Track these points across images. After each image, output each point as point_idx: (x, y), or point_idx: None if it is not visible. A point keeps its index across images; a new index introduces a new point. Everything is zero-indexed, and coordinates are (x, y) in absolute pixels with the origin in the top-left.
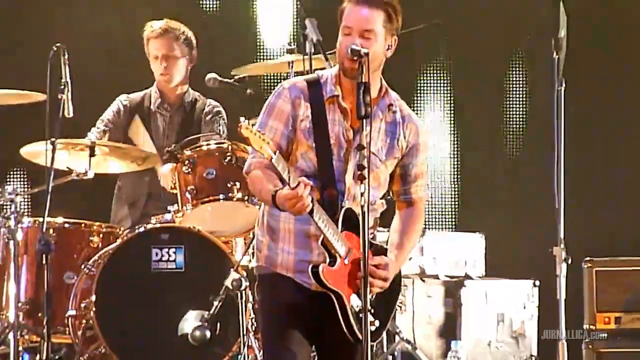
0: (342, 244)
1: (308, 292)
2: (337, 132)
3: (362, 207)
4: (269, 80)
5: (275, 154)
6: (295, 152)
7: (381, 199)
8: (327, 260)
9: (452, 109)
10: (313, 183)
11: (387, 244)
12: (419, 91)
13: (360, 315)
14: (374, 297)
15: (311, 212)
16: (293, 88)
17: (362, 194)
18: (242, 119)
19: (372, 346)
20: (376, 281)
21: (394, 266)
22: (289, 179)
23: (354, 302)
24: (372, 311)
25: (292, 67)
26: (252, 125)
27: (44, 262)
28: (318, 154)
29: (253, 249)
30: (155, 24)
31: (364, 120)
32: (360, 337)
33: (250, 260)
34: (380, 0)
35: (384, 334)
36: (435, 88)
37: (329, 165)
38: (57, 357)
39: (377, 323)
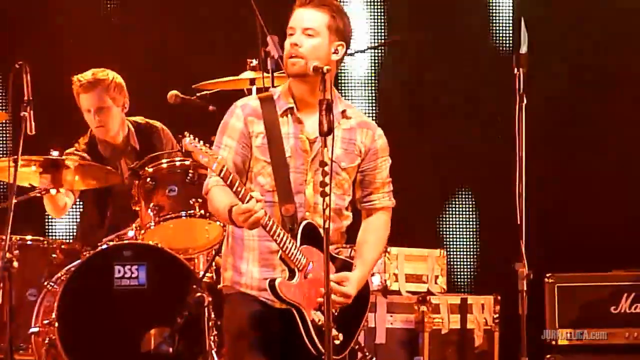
0: (301, 258)
1: (272, 309)
2: (292, 144)
3: (323, 220)
4: (231, 97)
5: (223, 167)
6: (252, 170)
7: (346, 209)
8: (287, 275)
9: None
10: (271, 198)
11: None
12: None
13: (323, 329)
14: (337, 311)
15: (266, 227)
16: (245, 106)
17: (324, 209)
18: (186, 133)
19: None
20: (337, 298)
21: (356, 281)
22: (239, 194)
23: (315, 316)
24: (334, 325)
25: (254, 84)
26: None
27: (6, 278)
28: (274, 169)
29: (215, 265)
30: (82, 77)
31: (325, 138)
32: (323, 351)
33: (212, 277)
34: (325, 3)
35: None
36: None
37: (285, 179)
38: None
39: (340, 337)
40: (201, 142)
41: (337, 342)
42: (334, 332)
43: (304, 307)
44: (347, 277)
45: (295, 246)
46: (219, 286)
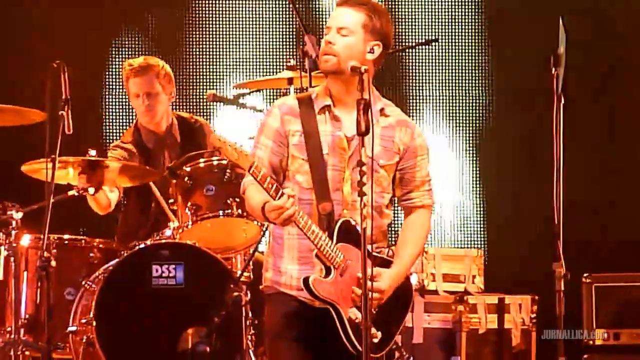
0: (337, 255)
1: (310, 309)
2: (330, 142)
3: (361, 219)
4: (269, 97)
5: (252, 164)
6: (290, 168)
7: (387, 208)
8: (324, 272)
9: (452, 123)
10: (309, 196)
11: None
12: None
13: (360, 327)
14: (375, 309)
15: (299, 224)
16: (282, 106)
17: (362, 208)
18: (214, 130)
19: (375, 358)
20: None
21: (390, 277)
22: (271, 190)
23: (352, 314)
24: (372, 324)
25: (292, 83)
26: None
27: (44, 278)
28: (311, 167)
29: (252, 265)
30: (134, 62)
31: (363, 137)
32: (361, 350)
33: (249, 277)
34: (363, 2)
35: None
36: (432, 102)
37: (323, 177)
38: None
39: (379, 335)
40: (231, 139)
41: (375, 340)
42: (372, 330)
43: (340, 304)
44: (379, 273)
45: (331, 244)
46: (260, 287)
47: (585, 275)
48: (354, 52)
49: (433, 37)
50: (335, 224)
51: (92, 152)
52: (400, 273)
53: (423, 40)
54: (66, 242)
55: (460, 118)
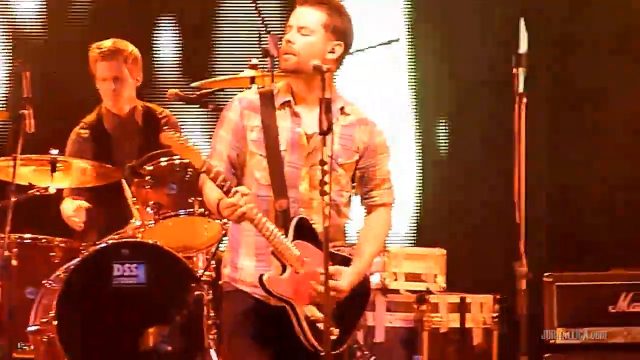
0: (293, 253)
1: (267, 306)
2: (288, 138)
3: (323, 219)
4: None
5: (204, 163)
6: (248, 164)
7: (345, 207)
8: (280, 270)
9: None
10: (267, 193)
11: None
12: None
13: (317, 324)
14: (335, 305)
15: (253, 221)
16: (243, 100)
17: (323, 207)
18: (165, 127)
19: (334, 355)
20: (320, 289)
21: (350, 275)
22: (224, 187)
23: (308, 311)
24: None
25: (254, 82)
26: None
27: (5, 277)
28: (269, 163)
29: (214, 263)
30: (103, 44)
31: (325, 136)
32: (318, 347)
33: (211, 275)
34: (322, 0)
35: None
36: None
37: (280, 174)
38: None
39: (336, 332)
40: (181, 136)
41: (332, 337)
42: (332, 327)
43: (296, 302)
44: (339, 271)
45: (287, 241)
46: (220, 282)
47: (546, 274)
48: (314, 51)
49: (394, 38)
50: (291, 222)
51: (54, 152)
52: (359, 271)
53: (385, 41)
54: (27, 241)
55: (423, 116)
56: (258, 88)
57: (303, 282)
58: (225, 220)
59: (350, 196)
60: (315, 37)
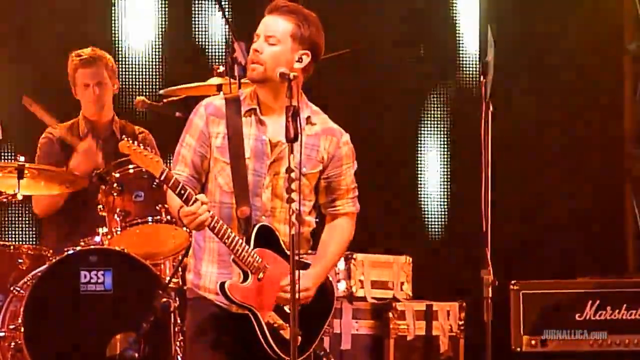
0: (254, 260)
1: (229, 313)
2: (253, 146)
3: (289, 227)
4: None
5: (163, 171)
6: (213, 170)
7: (309, 215)
8: (242, 277)
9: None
10: (229, 200)
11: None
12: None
13: (280, 331)
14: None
15: (214, 229)
16: (209, 106)
17: (290, 215)
18: (124, 137)
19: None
20: (286, 295)
21: (312, 276)
22: (183, 196)
23: (270, 318)
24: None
25: (221, 90)
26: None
27: None
28: (232, 170)
29: (181, 270)
30: (83, 52)
31: (292, 144)
32: (281, 354)
33: (178, 282)
34: (291, 11)
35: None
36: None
37: (243, 181)
38: None
39: (298, 338)
40: (140, 145)
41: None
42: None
43: (258, 309)
44: (301, 275)
45: (248, 248)
46: (185, 287)
47: (512, 282)
48: (281, 60)
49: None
50: (253, 229)
51: (21, 159)
52: (320, 272)
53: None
54: None
55: (392, 125)
56: (224, 94)
57: (265, 289)
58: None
59: (313, 204)
60: (283, 46)
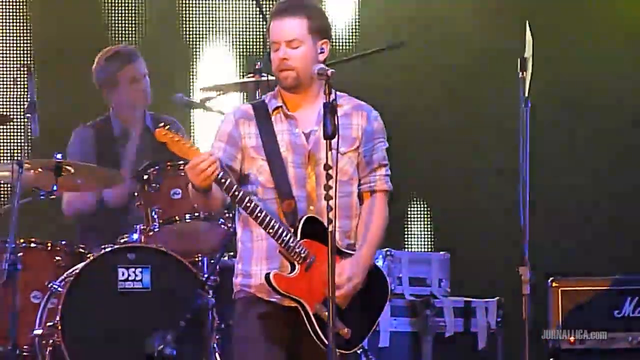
0: (301, 251)
1: (280, 308)
2: (287, 140)
3: (327, 222)
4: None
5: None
6: (251, 171)
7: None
8: (288, 269)
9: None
10: (272, 195)
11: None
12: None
13: (326, 322)
14: (343, 305)
15: (257, 219)
16: (237, 111)
17: (328, 211)
18: (160, 125)
19: (346, 356)
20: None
21: (355, 264)
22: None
23: (318, 309)
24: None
25: (259, 86)
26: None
27: (10, 281)
28: (271, 166)
29: (219, 268)
30: (123, 48)
31: (330, 141)
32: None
33: (216, 280)
34: (299, 6)
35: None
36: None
37: (283, 175)
38: None
39: (347, 331)
40: (178, 132)
41: (345, 336)
42: (342, 327)
43: (306, 300)
44: (341, 266)
45: (294, 240)
46: (232, 295)
47: (551, 278)
48: (309, 60)
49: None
50: (300, 221)
51: (59, 156)
52: (365, 254)
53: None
54: (32, 245)
55: (423, 120)
56: (249, 102)
57: (312, 280)
58: (230, 225)
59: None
60: (305, 45)
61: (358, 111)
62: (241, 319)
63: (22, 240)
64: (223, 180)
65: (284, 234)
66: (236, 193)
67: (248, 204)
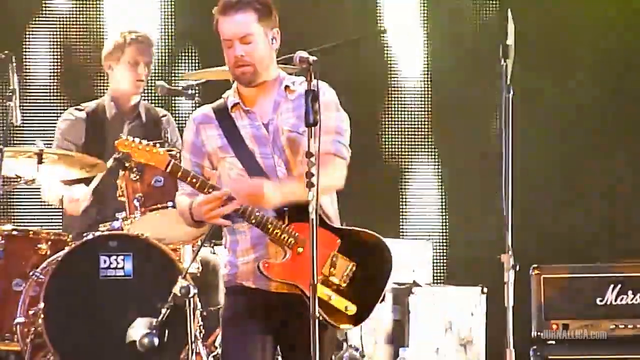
0: (290, 235)
1: (269, 295)
2: (250, 133)
3: (315, 211)
4: (218, 87)
5: (170, 162)
6: (222, 170)
7: None
8: (280, 255)
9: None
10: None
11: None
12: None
13: (328, 302)
14: (345, 282)
15: (243, 215)
16: (197, 116)
17: (310, 200)
18: (121, 135)
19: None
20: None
21: (272, 185)
22: (196, 185)
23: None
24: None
25: None
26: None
27: None
28: (242, 161)
29: (200, 256)
30: (135, 31)
31: (312, 128)
32: (334, 324)
33: (198, 268)
34: (244, 1)
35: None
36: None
37: (255, 166)
38: None
39: (351, 308)
40: (139, 140)
41: (350, 314)
42: (346, 303)
43: (301, 283)
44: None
45: (281, 225)
46: (224, 279)
47: (534, 266)
48: (264, 53)
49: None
50: (283, 206)
51: (40, 143)
52: (283, 184)
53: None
54: (14, 233)
55: (424, 113)
56: (209, 104)
57: (306, 262)
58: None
59: None
60: (258, 38)
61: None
62: (228, 308)
63: (3, 228)
64: (194, 181)
65: (269, 221)
66: (210, 190)
67: (243, 207)
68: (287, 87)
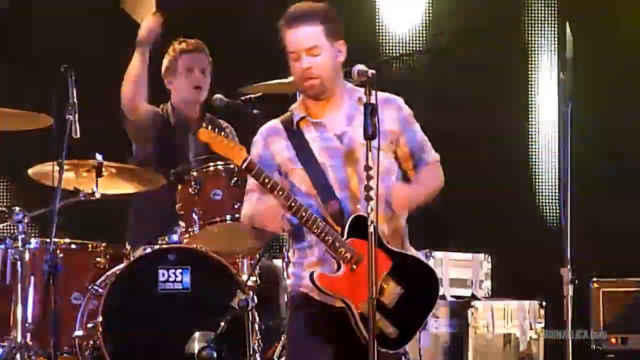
0: (346, 250)
1: (329, 308)
2: (320, 145)
3: (369, 220)
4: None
5: (247, 158)
6: (292, 181)
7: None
8: (335, 268)
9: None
10: (314, 202)
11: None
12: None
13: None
14: (391, 304)
15: (302, 218)
16: (264, 130)
17: (369, 213)
18: (203, 124)
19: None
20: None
21: (403, 189)
22: (268, 185)
23: (365, 309)
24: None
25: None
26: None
27: (51, 283)
28: (310, 174)
29: (259, 269)
30: (185, 40)
31: (371, 141)
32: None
33: (256, 281)
34: (312, 13)
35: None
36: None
37: (323, 179)
38: None
39: (392, 331)
40: (221, 133)
41: (392, 337)
42: (390, 326)
43: (351, 299)
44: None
45: (340, 239)
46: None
47: (593, 279)
48: (330, 65)
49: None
50: (347, 220)
51: (99, 157)
52: (410, 190)
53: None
54: (73, 246)
55: (456, 121)
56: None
57: (360, 279)
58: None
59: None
60: (325, 51)
61: (385, 104)
62: (292, 318)
63: (62, 242)
64: (267, 181)
65: (329, 233)
66: (279, 193)
67: (293, 204)
68: (359, 99)
